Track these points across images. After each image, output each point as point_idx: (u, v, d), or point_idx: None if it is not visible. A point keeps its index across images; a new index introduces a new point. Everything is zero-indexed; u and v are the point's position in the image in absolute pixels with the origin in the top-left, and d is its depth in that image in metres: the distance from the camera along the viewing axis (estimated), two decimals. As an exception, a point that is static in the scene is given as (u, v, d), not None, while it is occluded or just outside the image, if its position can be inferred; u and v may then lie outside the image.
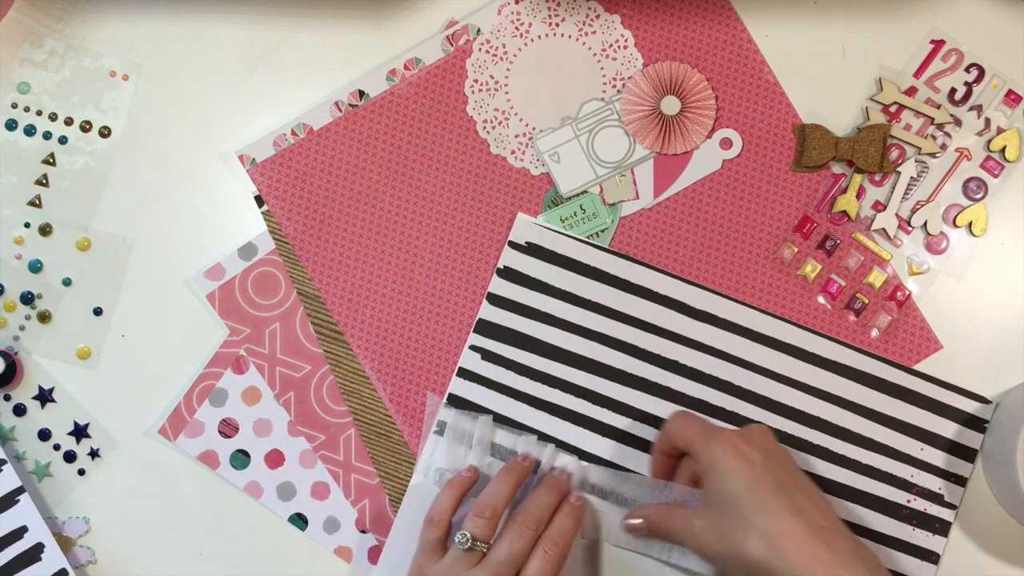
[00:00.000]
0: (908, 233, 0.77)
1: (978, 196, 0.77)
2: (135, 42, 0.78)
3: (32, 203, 0.78)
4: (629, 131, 0.77)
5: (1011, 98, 0.78)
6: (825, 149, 0.76)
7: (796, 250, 0.77)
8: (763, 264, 0.77)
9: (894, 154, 0.77)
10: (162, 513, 0.77)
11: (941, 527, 0.75)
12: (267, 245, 0.78)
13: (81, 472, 0.77)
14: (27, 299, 0.77)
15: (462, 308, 0.77)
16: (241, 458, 0.77)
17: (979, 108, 0.78)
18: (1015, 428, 0.71)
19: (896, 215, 0.77)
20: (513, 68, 0.78)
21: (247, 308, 0.78)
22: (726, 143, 0.77)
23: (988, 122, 0.78)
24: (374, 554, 0.77)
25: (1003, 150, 0.77)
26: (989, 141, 0.77)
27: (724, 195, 0.77)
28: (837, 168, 0.77)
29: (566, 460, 0.76)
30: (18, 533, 0.75)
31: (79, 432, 0.77)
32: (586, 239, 0.77)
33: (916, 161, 0.77)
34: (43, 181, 0.78)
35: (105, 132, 0.78)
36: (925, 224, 0.77)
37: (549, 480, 0.73)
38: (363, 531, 0.77)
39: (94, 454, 0.77)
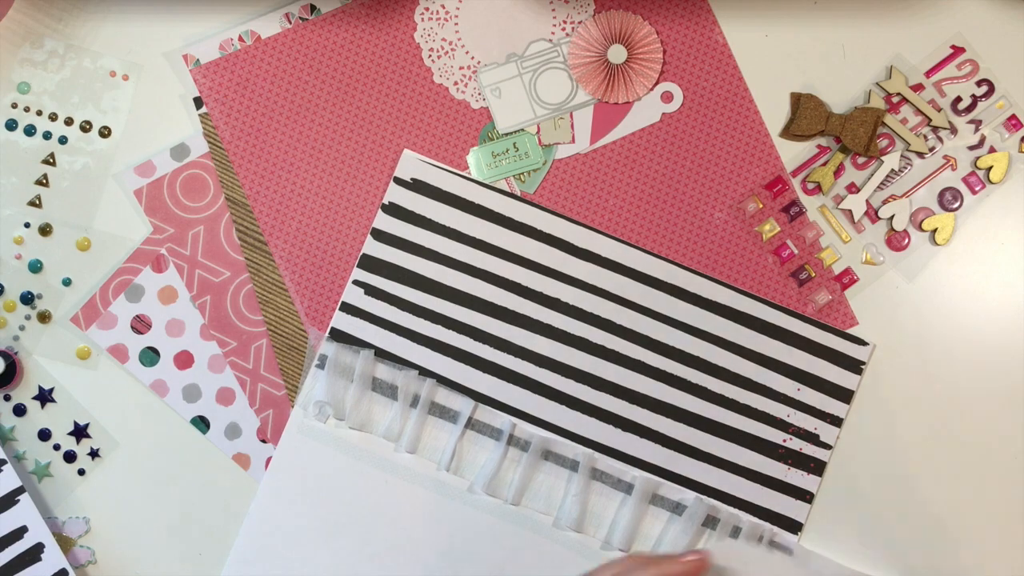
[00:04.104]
0: (873, 223, 0.78)
1: (952, 207, 0.78)
2: (135, 42, 0.79)
3: (32, 203, 0.78)
4: (573, 75, 0.78)
5: (1012, 122, 0.78)
6: (816, 120, 0.77)
7: (761, 206, 0.77)
8: (691, 217, 0.78)
9: (883, 143, 0.78)
10: (162, 513, 0.77)
11: (816, 467, 0.77)
12: (200, 148, 0.78)
13: (81, 472, 0.77)
14: (27, 299, 0.77)
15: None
16: (151, 355, 0.78)
17: (978, 123, 0.78)
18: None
19: (867, 201, 0.78)
20: (465, 1, 0.78)
21: (173, 208, 0.78)
22: (667, 96, 0.78)
23: (983, 139, 0.78)
24: None
25: (989, 170, 0.78)
26: (978, 158, 0.78)
27: (660, 148, 0.78)
28: (823, 142, 0.78)
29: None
30: (18, 533, 0.75)
31: (79, 432, 0.77)
32: (469, 176, 0.78)
33: (902, 156, 0.78)
34: (43, 181, 0.78)
35: (105, 132, 0.78)
36: (892, 218, 0.78)
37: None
38: (264, 440, 0.78)
39: (94, 454, 0.77)
